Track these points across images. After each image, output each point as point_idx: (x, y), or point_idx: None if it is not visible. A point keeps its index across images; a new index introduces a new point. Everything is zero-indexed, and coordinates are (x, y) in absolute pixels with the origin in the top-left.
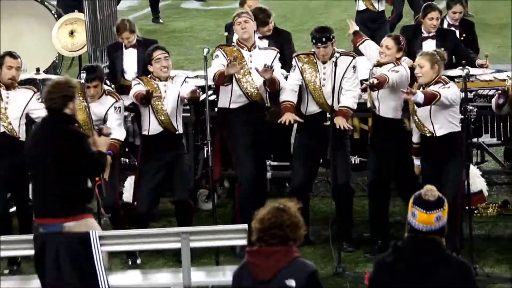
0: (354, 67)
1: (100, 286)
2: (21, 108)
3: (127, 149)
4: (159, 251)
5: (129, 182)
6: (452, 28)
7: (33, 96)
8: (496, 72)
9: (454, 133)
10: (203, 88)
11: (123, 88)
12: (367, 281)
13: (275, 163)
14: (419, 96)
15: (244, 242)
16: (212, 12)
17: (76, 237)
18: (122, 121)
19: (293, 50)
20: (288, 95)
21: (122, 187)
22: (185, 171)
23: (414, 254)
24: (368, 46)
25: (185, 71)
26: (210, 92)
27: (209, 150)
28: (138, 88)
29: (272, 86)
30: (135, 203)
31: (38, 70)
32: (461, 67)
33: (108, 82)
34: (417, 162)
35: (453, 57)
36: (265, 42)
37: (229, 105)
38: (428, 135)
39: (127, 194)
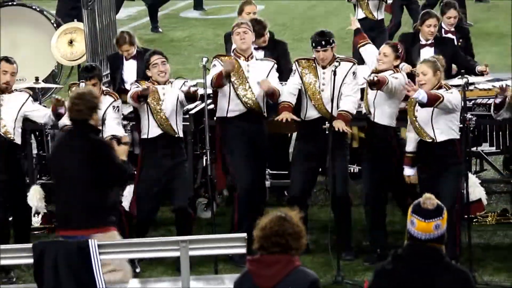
0: (354, 73)
1: None
2: (15, 110)
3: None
4: (158, 260)
5: (128, 191)
6: (450, 35)
7: (28, 98)
8: (495, 81)
9: (454, 140)
10: (202, 97)
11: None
12: None
13: (274, 172)
14: (421, 94)
15: (243, 250)
16: (211, 22)
17: (74, 246)
18: (120, 120)
19: (289, 61)
20: (286, 96)
21: (121, 196)
22: (185, 179)
23: (414, 262)
24: (369, 50)
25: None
26: (209, 101)
27: (208, 159)
28: (135, 90)
29: (272, 97)
30: (134, 211)
31: (37, 79)
32: (460, 76)
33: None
34: (408, 171)
35: (452, 65)
36: (260, 53)
37: (227, 114)
38: (428, 140)
39: (126, 202)
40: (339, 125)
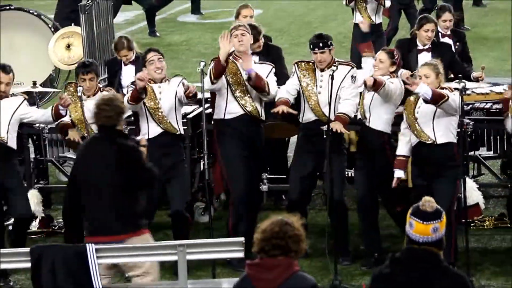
0: (352, 76)
1: None
2: (9, 114)
3: None
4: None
5: None
6: (446, 39)
7: (22, 102)
8: (493, 85)
9: (453, 144)
10: (199, 102)
11: None
12: None
13: (272, 176)
14: (424, 89)
15: (241, 255)
16: (208, 26)
17: (72, 250)
18: None
19: (284, 65)
20: (284, 94)
21: None
22: (184, 179)
23: (412, 266)
24: (369, 63)
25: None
26: (207, 105)
27: (206, 163)
28: (131, 90)
29: (259, 82)
30: None
31: (34, 83)
32: (457, 81)
33: None
34: (399, 173)
35: (449, 71)
36: (255, 58)
37: (224, 116)
38: (428, 142)
39: None
40: (337, 126)
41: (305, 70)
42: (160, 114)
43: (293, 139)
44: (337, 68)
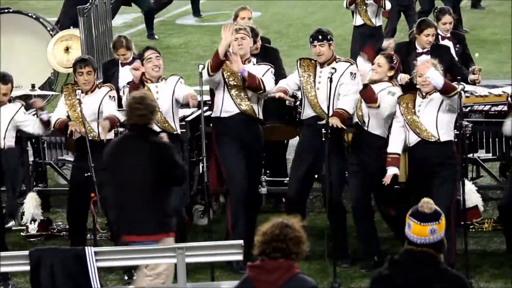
0: (351, 73)
1: None
2: (7, 120)
3: None
4: None
5: None
6: (446, 42)
7: (20, 108)
8: (492, 88)
9: (452, 142)
10: (198, 104)
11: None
12: None
13: (271, 179)
14: (436, 75)
15: (240, 257)
16: (207, 28)
17: (71, 253)
18: (117, 108)
19: (281, 67)
20: (282, 84)
21: None
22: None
23: (410, 268)
24: (362, 63)
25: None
26: (206, 108)
27: (205, 166)
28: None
29: (253, 81)
30: None
31: (33, 86)
32: (455, 83)
33: None
34: (393, 170)
35: (447, 74)
36: (253, 60)
37: (220, 114)
38: (432, 140)
39: None
40: (334, 121)
41: (306, 66)
42: (158, 113)
43: (292, 142)
44: (335, 71)
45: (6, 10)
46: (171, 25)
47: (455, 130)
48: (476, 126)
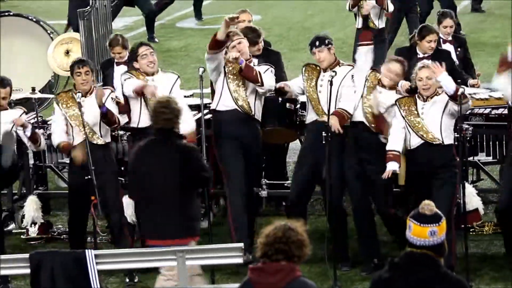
0: (352, 76)
1: None
2: (9, 127)
3: (122, 168)
4: (156, 269)
5: (125, 202)
6: (448, 45)
7: (21, 115)
8: (492, 91)
9: (452, 145)
10: (198, 107)
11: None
12: None
13: (271, 182)
14: (448, 80)
15: (240, 260)
16: (207, 31)
17: (71, 256)
18: (117, 110)
19: (283, 70)
20: (285, 83)
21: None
22: None
23: (410, 271)
24: (365, 52)
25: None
26: (206, 111)
27: None
28: (134, 81)
29: (250, 73)
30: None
31: (33, 89)
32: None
33: None
34: (394, 166)
35: None
36: (254, 62)
37: (217, 106)
38: (436, 142)
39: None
40: (333, 121)
41: (311, 70)
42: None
43: (292, 145)
44: (336, 74)
45: (6, 13)
46: (171, 28)
47: (455, 133)
48: (476, 129)
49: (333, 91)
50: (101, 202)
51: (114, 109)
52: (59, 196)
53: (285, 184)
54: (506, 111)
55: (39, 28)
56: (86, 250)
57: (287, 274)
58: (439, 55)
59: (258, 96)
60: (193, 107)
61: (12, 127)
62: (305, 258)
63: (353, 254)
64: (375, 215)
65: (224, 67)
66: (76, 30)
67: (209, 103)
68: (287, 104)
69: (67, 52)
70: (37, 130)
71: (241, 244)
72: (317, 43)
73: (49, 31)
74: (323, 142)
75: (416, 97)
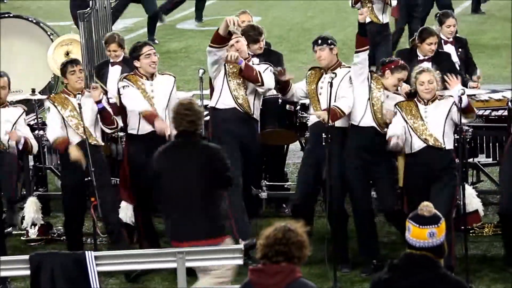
0: (350, 77)
1: None
2: (10, 124)
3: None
4: (155, 271)
5: (123, 204)
6: (448, 46)
7: (22, 114)
8: (492, 92)
9: (453, 149)
10: None
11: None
12: None
13: (271, 184)
14: (463, 96)
15: (240, 262)
16: (207, 33)
17: (71, 257)
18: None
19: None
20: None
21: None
22: None
23: (410, 272)
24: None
25: (180, 92)
26: (206, 112)
27: None
28: (139, 101)
29: (250, 72)
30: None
31: (33, 90)
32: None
33: None
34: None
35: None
36: (255, 61)
37: (216, 104)
38: (438, 146)
39: (123, 214)
40: (321, 113)
41: (314, 73)
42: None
43: (292, 147)
44: (335, 75)
45: (6, 15)
46: (172, 29)
47: (455, 135)
48: (476, 131)
49: (332, 93)
50: (101, 204)
51: (110, 109)
52: (59, 198)
53: (285, 186)
54: (506, 113)
55: (39, 30)
56: (86, 252)
57: (287, 275)
58: (439, 58)
59: (257, 96)
60: None
61: (12, 127)
62: (305, 259)
63: (353, 255)
64: (376, 216)
65: (225, 66)
66: None
67: (207, 105)
68: (287, 106)
69: (67, 54)
70: (28, 139)
71: (241, 246)
72: (320, 41)
73: (49, 33)
74: (323, 143)
75: (416, 100)
